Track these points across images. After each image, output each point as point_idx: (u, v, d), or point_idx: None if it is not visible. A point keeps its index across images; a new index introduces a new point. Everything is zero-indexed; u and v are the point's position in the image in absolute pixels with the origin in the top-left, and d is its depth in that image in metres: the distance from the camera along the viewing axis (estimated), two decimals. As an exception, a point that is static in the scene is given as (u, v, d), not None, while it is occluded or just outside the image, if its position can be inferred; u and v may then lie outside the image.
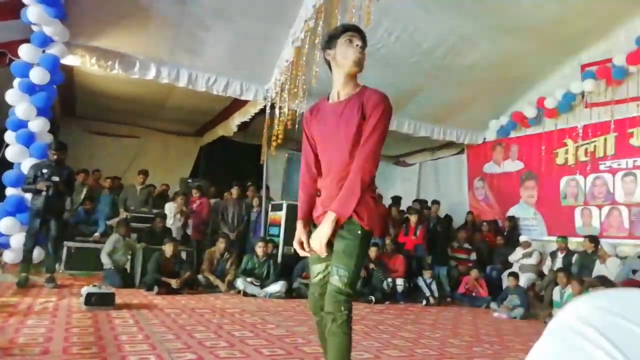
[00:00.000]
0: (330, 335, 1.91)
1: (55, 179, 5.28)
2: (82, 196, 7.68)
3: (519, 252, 7.63)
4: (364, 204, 1.94)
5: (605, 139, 7.33)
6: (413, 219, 8.00)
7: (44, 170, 5.35)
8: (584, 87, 7.47)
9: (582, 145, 7.64)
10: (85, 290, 4.36)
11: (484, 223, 8.68)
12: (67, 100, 8.43)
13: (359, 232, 1.94)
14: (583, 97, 7.67)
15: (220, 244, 6.69)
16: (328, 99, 2.16)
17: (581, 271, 6.58)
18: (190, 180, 9.16)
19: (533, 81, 8.25)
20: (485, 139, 9.31)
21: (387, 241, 7.55)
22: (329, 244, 1.95)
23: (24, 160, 5.60)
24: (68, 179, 5.59)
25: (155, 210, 7.66)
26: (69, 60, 5.99)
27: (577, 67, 7.69)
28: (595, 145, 7.47)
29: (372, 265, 6.99)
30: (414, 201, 9.60)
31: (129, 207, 7.74)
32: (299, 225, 2.14)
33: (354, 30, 2.10)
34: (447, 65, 7.07)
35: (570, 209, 7.72)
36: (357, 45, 2.06)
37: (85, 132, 9.90)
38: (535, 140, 8.48)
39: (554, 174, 8.03)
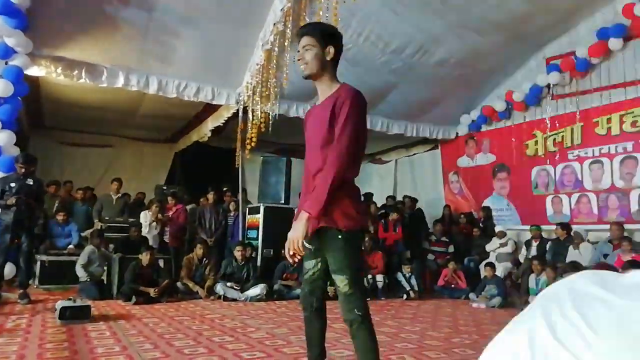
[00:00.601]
0: (354, 339, 1.99)
1: (22, 197, 5.15)
2: (54, 208, 7.53)
3: (495, 242, 7.79)
4: (338, 205, 1.95)
5: (572, 129, 7.54)
6: (394, 215, 8.11)
7: (12, 184, 5.22)
8: (549, 80, 7.67)
9: (550, 136, 7.84)
10: (59, 304, 4.27)
11: (462, 215, 8.83)
12: (35, 111, 8.25)
13: (339, 237, 1.95)
14: (549, 90, 7.87)
15: (199, 250, 6.64)
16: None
17: (555, 258, 6.76)
18: (165, 188, 9.07)
19: (501, 76, 8.44)
20: (457, 133, 9.46)
21: (366, 238, 7.60)
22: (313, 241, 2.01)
23: (-10, 174, 5.46)
24: (37, 192, 5.47)
25: (130, 220, 7.55)
26: (33, 71, 5.86)
27: (542, 61, 7.91)
28: (562, 136, 7.68)
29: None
30: (388, 197, 9.70)
31: (104, 218, 7.61)
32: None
33: (298, 34, 2.12)
34: (417, 63, 7.18)
35: (541, 197, 7.92)
36: (298, 51, 2.10)
37: (55, 143, 9.69)
38: (505, 133, 8.67)
39: (525, 165, 8.23)
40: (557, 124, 7.75)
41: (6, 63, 5.47)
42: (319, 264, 2.10)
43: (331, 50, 2.07)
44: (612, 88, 7.06)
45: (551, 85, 7.76)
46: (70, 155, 9.79)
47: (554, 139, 7.79)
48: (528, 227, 7.67)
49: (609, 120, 7.08)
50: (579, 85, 7.53)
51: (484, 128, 9.09)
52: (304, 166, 2.21)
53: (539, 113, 8.10)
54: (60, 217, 7.20)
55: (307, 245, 1.98)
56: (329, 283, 2.18)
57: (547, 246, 7.16)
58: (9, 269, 5.54)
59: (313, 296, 2.14)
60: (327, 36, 2.09)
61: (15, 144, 5.75)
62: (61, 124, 9.34)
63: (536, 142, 8.09)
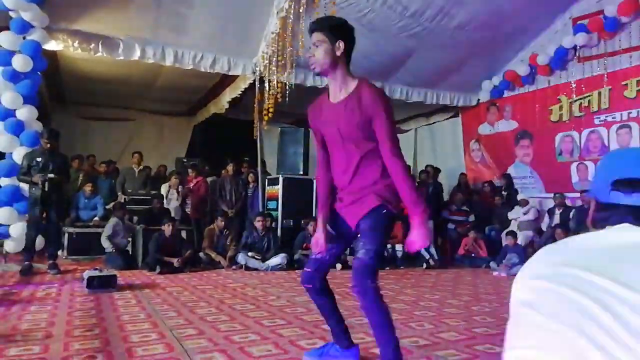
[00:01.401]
0: (365, 311, 2.00)
1: (50, 175, 5.26)
2: (79, 182, 7.69)
3: (517, 210, 7.68)
4: (390, 191, 2.05)
5: (599, 93, 7.27)
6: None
7: (38, 159, 5.34)
8: (576, 41, 7.36)
9: (576, 101, 7.58)
10: (86, 274, 4.41)
11: (484, 184, 8.71)
12: (55, 86, 8.34)
13: (384, 211, 2.04)
14: (576, 52, 7.57)
15: (220, 222, 6.73)
16: (328, 95, 2.18)
17: (579, 226, 6.64)
18: (185, 160, 9.16)
19: (525, 38, 8.12)
20: (479, 100, 9.23)
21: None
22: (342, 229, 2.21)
23: (15, 150, 5.58)
24: (63, 167, 5.58)
25: (152, 192, 7.68)
26: (50, 45, 5.88)
27: (569, 21, 7.57)
28: (589, 100, 7.42)
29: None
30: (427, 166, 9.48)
31: (127, 190, 7.75)
32: (320, 221, 2.25)
33: (309, 31, 2.12)
34: (437, 27, 6.95)
35: (566, 164, 7.73)
36: (310, 48, 2.10)
37: (77, 118, 9.82)
38: (528, 98, 8.41)
39: (549, 131, 8.00)
40: (584, 88, 7.48)
41: (24, 38, 5.50)
42: (334, 249, 2.24)
43: (341, 45, 2.05)
44: (643, 48, 6.74)
45: (578, 47, 7.46)
46: (92, 130, 9.93)
47: (580, 104, 7.53)
48: (550, 195, 7.52)
49: (638, 83, 6.79)
50: (607, 47, 7.21)
51: (506, 94, 8.84)
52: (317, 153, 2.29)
53: (564, 77, 7.81)
54: (88, 188, 7.34)
55: (330, 230, 2.21)
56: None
57: (571, 214, 7.03)
58: (39, 241, 5.72)
59: (317, 275, 2.25)
60: (337, 30, 2.07)
61: (37, 119, 5.85)
62: (81, 98, 9.43)
63: (561, 107, 7.84)
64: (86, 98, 9.42)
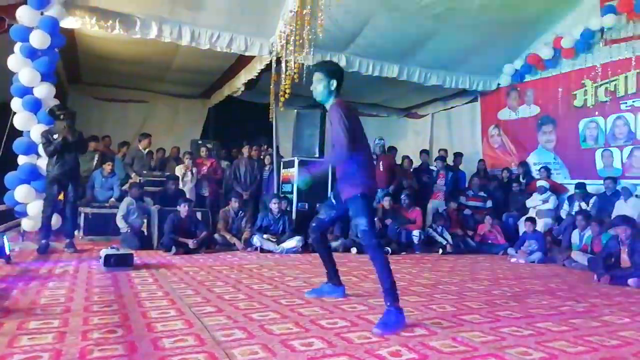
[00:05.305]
0: (373, 260, 2.79)
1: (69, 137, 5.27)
2: (94, 163, 7.70)
3: (535, 197, 7.52)
4: (357, 179, 2.91)
5: (626, 77, 7.03)
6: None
7: (55, 136, 5.32)
8: (603, 23, 7.10)
9: (601, 85, 7.35)
10: (103, 252, 4.40)
11: (504, 170, 8.55)
12: (72, 65, 8.31)
13: (358, 195, 2.88)
14: (602, 34, 7.31)
15: (234, 203, 6.70)
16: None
17: (600, 213, 6.49)
18: (200, 142, 9.11)
19: (549, 20, 7.84)
20: (499, 84, 9.01)
21: (403, 194, 7.49)
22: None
23: (32, 127, 5.57)
24: (80, 139, 5.56)
25: (167, 174, 7.66)
26: (68, 22, 5.82)
27: (596, 2, 7.29)
28: (615, 84, 7.18)
29: (387, 219, 6.97)
30: (422, 152, 9.30)
31: (141, 172, 7.74)
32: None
33: (312, 71, 3.15)
34: (459, 8, 6.74)
35: (590, 151, 7.51)
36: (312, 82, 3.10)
37: (92, 98, 9.82)
38: (551, 82, 8.18)
39: (572, 116, 7.79)
40: (610, 72, 7.24)
41: (41, 14, 5.45)
42: (332, 214, 3.33)
43: (334, 83, 3.00)
44: (674, 30, 6.49)
45: (605, 29, 7.20)
46: (107, 111, 9.92)
47: (606, 88, 7.30)
48: (574, 182, 7.35)
49: (667, 67, 6.55)
50: (636, 29, 6.95)
51: (527, 78, 8.61)
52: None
53: (590, 60, 7.57)
54: (108, 167, 7.32)
55: (332, 199, 3.32)
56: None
57: (592, 201, 6.86)
58: (56, 220, 5.74)
59: (316, 228, 3.40)
60: (331, 72, 3.02)
61: (54, 97, 5.82)
62: (97, 79, 9.41)
63: (585, 92, 7.61)
64: (102, 79, 9.41)
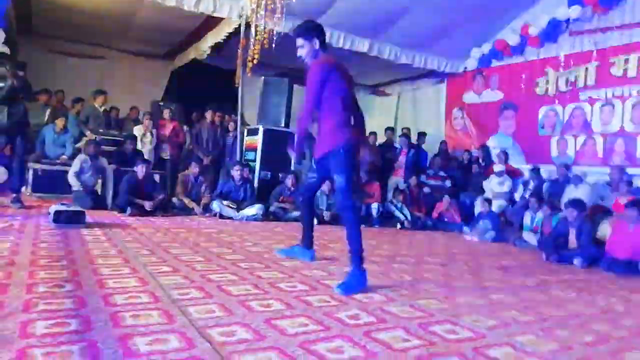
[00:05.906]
0: (344, 221, 2.82)
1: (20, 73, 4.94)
2: (45, 118, 7.27)
3: (492, 180, 7.73)
4: (334, 134, 2.89)
5: (587, 69, 7.26)
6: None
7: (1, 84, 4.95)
8: (570, 14, 7.26)
9: (563, 75, 7.56)
10: (53, 208, 4.20)
11: (465, 152, 8.73)
12: (24, 15, 7.72)
13: (339, 150, 2.87)
14: (567, 25, 7.49)
15: (194, 168, 6.53)
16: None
17: (552, 197, 6.74)
18: (162, 104, 8.77)
19: (519, 7, 7.97)
20: (466, 68, 9.12)
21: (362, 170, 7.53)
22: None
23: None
24: (26, 85, 5.18)
25: (124, 133, 7.34)
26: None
27: (565, -7, 7.45)
28: (576, 75, 7.41)
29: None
30: (387, 129, 9.40)
31: (97, 130, 7.38)
32: None
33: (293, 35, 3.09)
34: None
35: (547, 138, 7.77)
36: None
37: (46, 51, 9.20)
38: (516, 69, 8.35)
39: (533, 103, 8.00)
40: (572, 63, 7.45)
41: (-10, -51, 5.01)
42: (319, 177, 3.33)
43: (316, 42, 2.98)
44: (635, 26, 6.70)
45: (570, 20, 7.37)
46: (61, 65, 9.31)
47: (567, 78, 7.52)
48: (529, 166, 7.59)
49: (626, 61, 6.79)
50: (599, 22, 7.16)
51: (494, 63, 8.75)
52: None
53: (554, 50, 7.75)
54: (60, 123, 6.90)
55: (314, 165, 3.41)
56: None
57: (544, 186, 7.13)
58: (1, 174, 5.41)
59: (307, 190, 3.58)
60: (310, 31, 2.99)
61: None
62: (51, 30, 8.80)
63: (547, 81, 7.81)
64: (56, 30, 8.79)
